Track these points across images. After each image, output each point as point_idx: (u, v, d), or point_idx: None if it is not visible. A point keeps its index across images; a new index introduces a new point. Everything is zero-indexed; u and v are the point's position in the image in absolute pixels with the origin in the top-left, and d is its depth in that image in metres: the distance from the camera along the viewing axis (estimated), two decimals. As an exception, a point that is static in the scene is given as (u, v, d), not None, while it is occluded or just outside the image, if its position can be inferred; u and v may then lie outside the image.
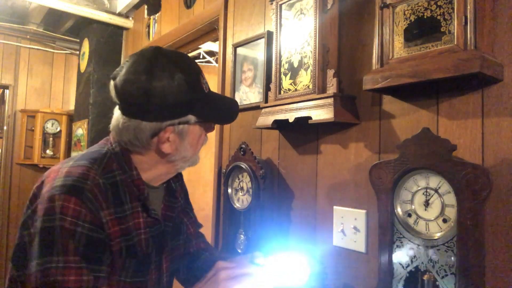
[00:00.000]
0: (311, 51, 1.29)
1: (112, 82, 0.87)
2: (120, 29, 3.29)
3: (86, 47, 3.39)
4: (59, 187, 0.81)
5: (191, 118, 0.89)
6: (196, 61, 3.48)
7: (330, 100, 1.22)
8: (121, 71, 0.86)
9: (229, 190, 1.67)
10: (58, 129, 3.85)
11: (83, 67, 3.42)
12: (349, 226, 1.28)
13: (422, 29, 0.99)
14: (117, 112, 0.90)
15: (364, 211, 1.25)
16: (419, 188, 1.01)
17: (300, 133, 1.49)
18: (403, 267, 1.01)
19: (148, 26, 2.93)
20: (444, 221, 0.96)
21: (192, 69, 0.90)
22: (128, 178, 0.91)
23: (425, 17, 0.98)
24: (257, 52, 1.70)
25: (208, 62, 3.59)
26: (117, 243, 0.86)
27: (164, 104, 0.83)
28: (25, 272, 0.80)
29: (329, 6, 1.29)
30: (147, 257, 0.94)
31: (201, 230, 1.27)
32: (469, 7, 0.89)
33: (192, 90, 0.86)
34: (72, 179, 0.82)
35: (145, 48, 0.90)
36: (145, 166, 0.94)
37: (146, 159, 0.93)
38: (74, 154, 3.49)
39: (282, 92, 1.42)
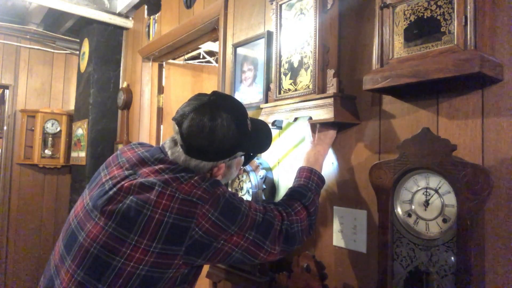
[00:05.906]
0: (311, 51, 1.29)
1: (176, 127, 1.00)
2: (120, 29, 3.29)
3: (86, 47, 3.39)
4: None
5: (239, 153, 1.08)
6: (196, 61, 3.49)
7: (330, 100, 1.21)
8: (185, 119, 0.98)
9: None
10: (58, 129, 3.85)
11: (83, 67, 3.42)
12: (349, 226, 1.28)
13: (422, 29, 0.98)
14: (177, 148, 1.02)
15: (364, 211, 1.25)
16: (419, 188, 1.01)
17: (301, 133, 1.49)
18: (403, 267, 1.01)
19: (148, 26, 2.93)
20: (444, 221, 0.96)
21: (242, 116, 1.04)
22: None
23: (425, 17, 0.98)
24: (257, 52, 1.70)
25: (208, 62, 3.59)
26: None
27: (222, 149, 1.00)
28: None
29: (329, 6, 1.28)
30: None
31: None
32: (469, 7, 0.89)
33: (242, 134, 1.02)
34: None
35: (206, 97, 1.02)
36: None
37: None
38: (74, 154, 3.49)
39: (282, 92, 1.42)
